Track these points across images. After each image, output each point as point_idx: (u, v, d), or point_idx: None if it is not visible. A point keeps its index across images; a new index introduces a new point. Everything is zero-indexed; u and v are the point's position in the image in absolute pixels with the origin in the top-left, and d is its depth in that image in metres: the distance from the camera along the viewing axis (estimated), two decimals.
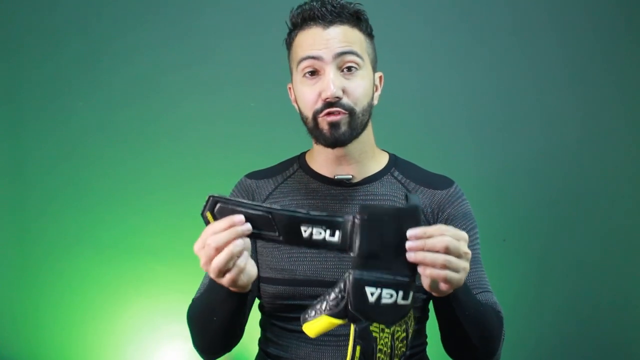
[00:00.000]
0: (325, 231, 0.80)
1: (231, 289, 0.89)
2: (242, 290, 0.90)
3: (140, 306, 2.08)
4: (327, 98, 1.01)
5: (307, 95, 1.04)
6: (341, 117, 1.02)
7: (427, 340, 1.15)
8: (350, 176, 1.10)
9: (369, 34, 1.09)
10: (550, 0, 1.98)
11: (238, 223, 0.82)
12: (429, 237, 0.79)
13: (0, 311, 2.15)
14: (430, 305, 1.05)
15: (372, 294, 0.77)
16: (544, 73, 1.98)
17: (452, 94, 2.01)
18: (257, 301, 1.16)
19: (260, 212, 0.82)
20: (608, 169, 1.97)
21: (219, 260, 0.81)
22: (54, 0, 2.09)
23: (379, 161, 1.14)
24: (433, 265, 0.78)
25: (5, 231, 2.14)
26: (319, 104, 1.02)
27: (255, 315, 1.16)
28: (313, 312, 0.80)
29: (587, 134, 1.97)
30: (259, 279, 1.11)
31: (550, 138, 1.98)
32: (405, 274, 0.78)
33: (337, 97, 1.01)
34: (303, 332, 1.06)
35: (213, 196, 0.82)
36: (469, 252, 0.83)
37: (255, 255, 1.12)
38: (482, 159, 2.00)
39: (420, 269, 0.79)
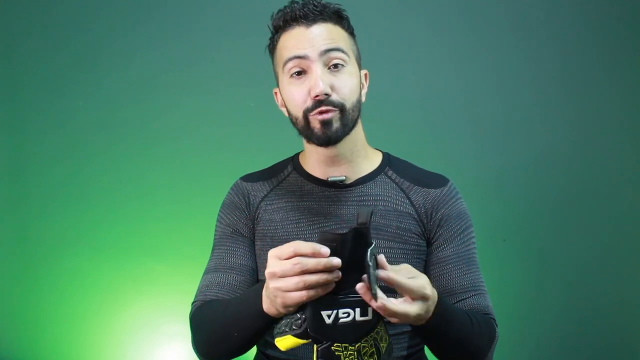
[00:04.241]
0: None
1: (267, 311, 0.87)
2: (276, 314, 0.87)
3: (140, 306, 2.08)
4: (317, 95, 1.00)
5: (295, 94, 1.03)
6: (332, 115, 1.02)
7: None
8: (344, 177, 1.10)
9: (351, 32, 1.09)
10: (550, 0, 1.98)
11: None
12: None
13: (0, 311, 2.15)
14: None
15: (328, 316, 0.77)
16: (544, 73, 1.98)
17: (452, 93, 2.01)
18: None
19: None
20: (608, 168, 1.97)
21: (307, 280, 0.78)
22: (53, 0, 2.09)
23: (373, 160, 1.14)
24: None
25: (5, 231, 2.14)
26: (309, 103, 1.02)
27: None
28: (281, 329, 0.81)
29: (587, 134, 1.97)
30: (257, 281, 1.11)
31: (550, 138, 1.98)
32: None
33: (327, 94, 1.00)
34: None
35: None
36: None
37: (254, 258, 1.12)
38: (482, 159, 2.00)
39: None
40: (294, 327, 0.80)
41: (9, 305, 2.14)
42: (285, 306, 0.81)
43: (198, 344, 1.04)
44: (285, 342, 0.81)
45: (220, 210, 1.18)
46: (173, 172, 2.07)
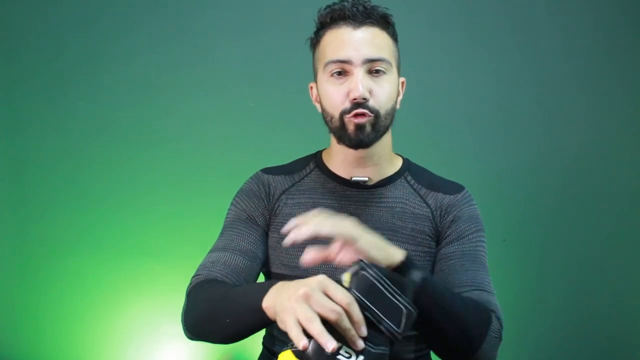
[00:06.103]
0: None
1: (266, 309, 0.85)
2: (273, 317, 0.85)
3: (140, 306, 2.08)
4: (355, 99, 1.01)
5: (334, 94, 1.04)
6: (367, 120, 1.03)
7: None
8: (367, 178, 1.11)
9: (395, 38, 1.10)
10: (551, 1, 1.98)
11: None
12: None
13: (0, 311, 2.15)
14: None
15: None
16: (545, 73, 1.98)
17: (452, 94, 2.01)
18: None
19: (398, 304, 0.76)
20: (608, 169, 1.97)
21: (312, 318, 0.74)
22: (53, 1, 2.09)
23: (394, 164, 1.16)
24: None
25: (5, 231, 2.14)
26: (347, 104, 1.03)
27: None
28: (288, 344, 0.78)
29: (587, 134, 1.98)
30: (270, 274, 1.12)
31: (550, 138, 1.98)
32: (380, 341, 0.76)
33: (365, 99, 1.01)
34: None
35: (362, 261, 0.77)
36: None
37: (266, 250, 1.12)
38: (482, 159, 2.00)
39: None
40: (295, 346, 0.76)
41: (9, 305, 2.14)
42: (282, 323, 0.78)
43: (187, 318, 1.02)
44: (284, 357, 0.77)
45: (236, 196, 1.16)
46: (173, 172, 2.07)
